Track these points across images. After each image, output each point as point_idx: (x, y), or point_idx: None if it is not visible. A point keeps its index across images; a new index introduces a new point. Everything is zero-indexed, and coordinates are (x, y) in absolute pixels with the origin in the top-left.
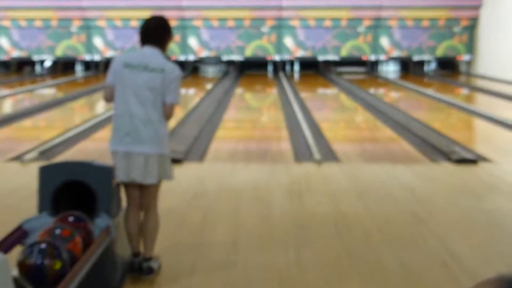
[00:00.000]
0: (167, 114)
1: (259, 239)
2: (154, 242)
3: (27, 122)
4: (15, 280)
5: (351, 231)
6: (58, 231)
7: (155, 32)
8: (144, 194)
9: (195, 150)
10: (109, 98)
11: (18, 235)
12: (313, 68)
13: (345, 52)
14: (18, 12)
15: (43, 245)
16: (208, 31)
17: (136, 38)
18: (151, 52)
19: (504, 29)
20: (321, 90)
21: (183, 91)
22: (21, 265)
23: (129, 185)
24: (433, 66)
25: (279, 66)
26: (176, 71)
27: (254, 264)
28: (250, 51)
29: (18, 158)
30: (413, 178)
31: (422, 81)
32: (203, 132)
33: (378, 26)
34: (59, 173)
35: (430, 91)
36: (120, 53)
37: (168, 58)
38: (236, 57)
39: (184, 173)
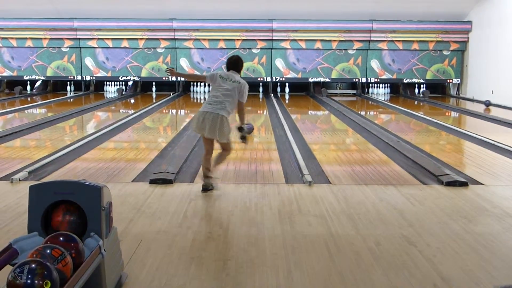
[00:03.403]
0: (241, 108)
1: (249, 261)
2: (218, 165)
3: (17, 142)
4: None
5: (342, 253)
6: (48, 251)
7: (236, 63)
8: (220, 144)
9: (186, 171)
10: (206, 81)
11: (8, 254)
12: (303, 90)
13: (335, 74)
14: (9, 32)
15: (33, 265)
16: (199, 52)
17: (126, 58)
18: (234, 73)
19: (492, 53)
20: (312, 112)
21: (173, 112)
22: (11, 285)
23: (206, 139)
24: (423, 88)
25: (270, 88)
26: (246, 84)
27: (244, 286)
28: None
29: (8, 177)
30: (404, 200)
31: (412, 103)
32: (194, 153)
33: (368, 48)
34: (49, 193)
35: (420, 113)
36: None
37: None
38: None
39: (175, 193)
